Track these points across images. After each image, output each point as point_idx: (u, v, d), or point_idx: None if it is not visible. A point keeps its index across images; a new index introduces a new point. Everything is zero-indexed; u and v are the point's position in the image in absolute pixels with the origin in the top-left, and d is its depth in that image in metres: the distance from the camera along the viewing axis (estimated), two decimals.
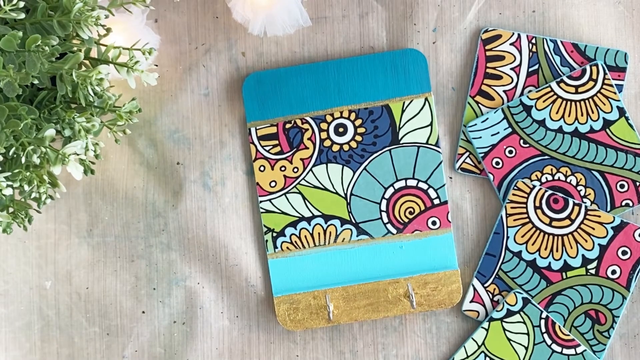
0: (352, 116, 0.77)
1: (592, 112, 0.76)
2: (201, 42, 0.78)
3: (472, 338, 0.76)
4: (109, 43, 0.67)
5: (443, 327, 0.77)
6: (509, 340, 0.75)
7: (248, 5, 0.71)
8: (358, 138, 0.77)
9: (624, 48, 0.77)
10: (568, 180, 0.76)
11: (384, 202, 0.77)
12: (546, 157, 0.76)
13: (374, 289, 0.76)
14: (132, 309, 0.77)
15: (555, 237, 0.76)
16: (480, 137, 0.77)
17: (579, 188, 0.76)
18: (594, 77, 0.76)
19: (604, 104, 0.76)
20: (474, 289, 0.76)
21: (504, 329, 0.75)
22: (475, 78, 0.77)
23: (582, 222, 0.75)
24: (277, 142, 0.77)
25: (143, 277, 0.77)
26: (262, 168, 0.77)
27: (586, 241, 0.75)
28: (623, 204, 0.76)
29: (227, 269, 0.77)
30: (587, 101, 0.76)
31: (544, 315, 0.75)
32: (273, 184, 0.77)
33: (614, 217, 0.75)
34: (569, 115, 0.76)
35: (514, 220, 0.76)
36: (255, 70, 0.78)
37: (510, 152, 0.76)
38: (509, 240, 0.76)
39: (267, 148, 0.77)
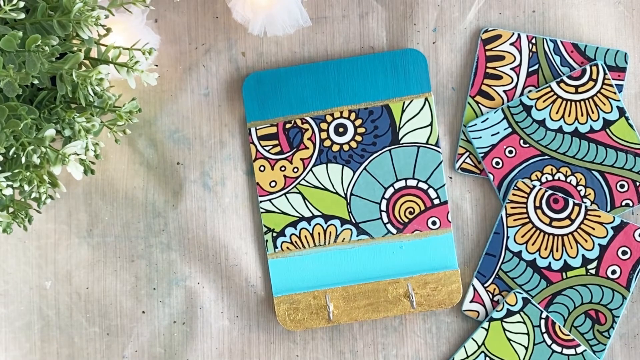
0: (352, 116, 0.77)
1: (592, 112, 0.76)
2: (201, 42, 0.78)
3: (472, 338, 0.76)
4: (109, 43, 0.67)
5: (443, 327, 0.77)
6: (509, 340, 0.75)
7: (248, 5, 0.71)
8: (358, 138, 0.77)
9: (624, 48, 0.77)
10: (568, 180, 0.76)
11: (384, 202, 0.77)
12: (546, 157, 0.76)
13: (374, 289, 0.76)
14: (132, 309, 0.77)
15: (555, 237, 0.76)
16: (480, 137, 0.77)
17: (579, 188, 0.76)
18: (594, 77, 0.76)
19: (604, 104, 0.76)
20: (474, 289, 0.76)
21: (504, 329, 0.75)
22: (475, 78, 0.77)
23: (582, 222, 0.75)
24: (277, 142, 0.77)
25: (143, 277, 0.77)
26: (262, 168, 0.77)
27: (586, 241, 0.75)
28: (623, 204, 0.76)
29: (227, 269, 0.77)
30: (587, 101, 0.76)
31: (544, 315, 0.75)
32: (273, 184, 0.77)
33: (614, 217, 0.75)
34: (569, 115, 0.76)
35: (514, 220, 0.76)
36: (255, 70, 0.78)
37: (510, 152, 0.76)
38: (509, 240, 0.76)
39: (267, 148, 0.77)
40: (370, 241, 0.77)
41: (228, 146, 0.78)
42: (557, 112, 0.76)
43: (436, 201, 0.77)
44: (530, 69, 0.77)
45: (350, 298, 0.76)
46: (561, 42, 0.77)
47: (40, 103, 0.66)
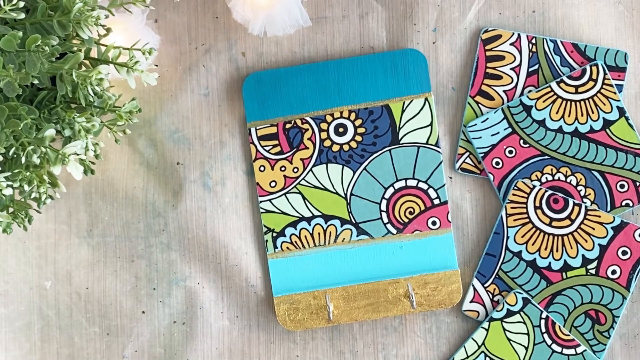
0: (352, 116, 0.77)
1: (592, 112, 0.76)
2: (201, 42, 0.78)
3: (472, 338, 0.76)
4: (109, 43, 0.67)
5: (443, 327, 0.77)
6: (509, 340, 0.75)
7: (248, 5, 0.71)
8: (358, 138, 0.77)
9: (624, 48, 0.77)
10: (568, 180, 0.76)
11: (384, 202, 0.77)
12: (546, 157, 0.76)
13: (374, 289, 0.76)
14: (132, 309, 0.77)
15: (555, 237, 0.76)
16: (480, 137, 0.77)
17: (579, 188, 0.76)
18: (594, 77, 0.76)
19: (604, 104, 0.76)
20: (474, 289, 0.76)
21: (504, 329, 0.75)
22: (475, 78, 0.77)
23: (582, 222, 0.75)
24: (277, 142, 0.77)
25: (143, 277, 0.77)
26: (262, 168, 0.77)
27: (586, 241, 0.75)
28: (623, 204, 0.76)
29: (227, 269, 0.77)
30: (587, 101, 0.76)
31: (544, 315, 0.75)
32: (273, 184, 0.77)
33: (614, 217, 0.75)
34: (569, 115, 0.76)
35: (514, 220, 0.76)
36: (255, 70, 0.78)
37: (510, 152, 0.76)
38: (509, 240, 0.76)
39: (267, 148, 0.77)
40: (370, 241, 0.77)
41: (228, 146, 0.78)
42: (557, 112, 0.76)
43: (436, 201, 0.77)
44: (530, 69, 0.77)
45: (350, 298, 0.76)
46: (561, 42, 0.77)
47: (40, 103, 0.66)
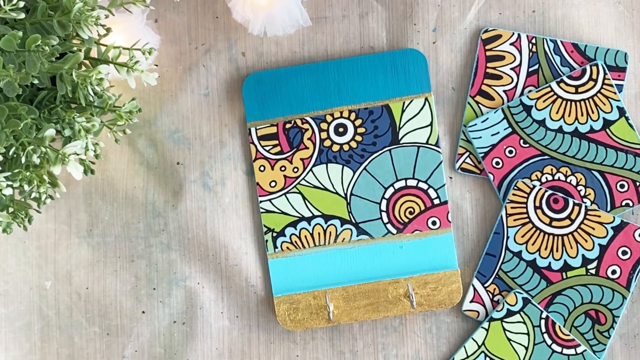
0: (352, 116, 0.77)
1: (592, 112, 0.76)
2: (201, 42, 0.78)
3: (472, 338, 0.76)
4: (109, 43, 0.67)
5: (443, 327, 0.77)
6: (509, 340, 0.75)
7: (248, 5, 0.71)
8: (358, 138, 0.77)
9: (624, 48, 0.77)
10: (568, 180, 0.76)
11: (384, 202, 0.77)
12: (546, 157, 0.76)
13: (374, 289, 0.76)
14: (132, 309, 0.77)
15: (555, 237, 0.76)
16: (480, 137, 0.77)
17: (579, 188, 0.76)
18: (594, 77, 0.76)
19: (604, 104, 0.76)
20: (474, 289, 0.76)
21: (504, 329, 0.75)
22: (475, 78, 0.77)
23: (582, 222, 0.75)
24: (277, 142, 0.77)
25: (143, 277, 0.77)
26: (262, 168, 0.77)
27: (586, 241, 0.75)
28: (623, 204, 0.76)
29: (227, 269, 0.77)
30: (587, 101, 0.76)
31: (544, 315, 0.75)
32: (273, 184, 0.77)
33: (614, 217, 0.75)
34: (569, 115, 0.76)
35: (514, 220, 0.76)
36: (255, 70, 0.78)
37: (510, 152, 0.76)
38: (509, 240, 0.76)
39: (267, 148, 0.77)
40: (370, 241, 0.77)
41: (228, 146, 0.78)
42: (557, 112, 0.76)
43: (436, 201, 0.77)
44: (530, 69, 0.77)
45: (350, 298, 0.76)
46: (561, 42, 0.77)
47: (40, 103, 0.66)
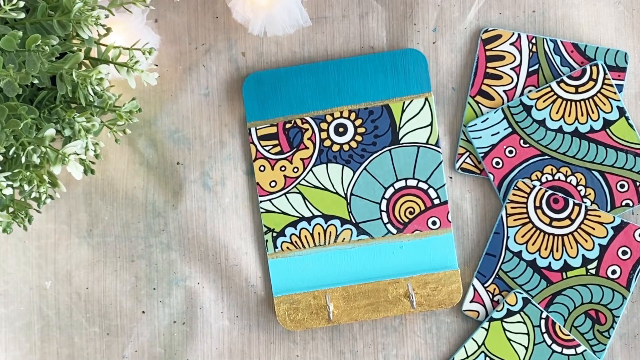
0: (352, 116, 0.77)
1: (592, 112, 0.76)
2: (201, 42, 0.78)
3: (472, 338, 0.76)
4: (109, 43, 0.67)
5: (443, 327, 0.77)
6: (509, 340, 0.75)
7: (248, 5, 0.71)
8: (358, 138, 0.77)
9: (624, 48, 0.77)
10: (568, 180, 0.76)
11: (384, 202, 0.77)
12: (546, 157, 0.76)
13: (374, 289, 0.76)
14: (132, 309, 0.77)
15: (556, 237, 0.76)
16: (480, 137, 0.77)
17: (579, 188, 0.76)
18: (594, 77, 0.76)
19: (604, 104, 0.76)
20: (474, 289, 0.76)
21: (504, 329, 0.75)
22: (475, 78, 0.77)
23: (582, 222, 0.75)
24: (277, 142, 0.77)
25: (143, 277, 0.77)
26: (262, 168, 0.77)
27: (586, 241, 0.75)
28: (623, 204, 0.76)
29: (227, 269, 0.77)
30: (587, 101, 0.76)
31: (544, 315, 0.75)
32: (273, 184, 0.77)
33: (614, 217, 0.75)
34: (569, 115, 0.76)
35: (514, 220, 0.76)
36: (255, 70, 0.78)
37: (510, 152, 0.76)
38: (509, 240, 0.76)
39: (267, 148, 0.77)
40: (370, 241, 0.77)
41: (228, 146, 0.78)
42: (557, 112, 0.76)
43: (436, 201, 0.77)
44: (530, 69, 0.77)
45: (350, 298, 0.76)
46: (561, 42, 0.77)
47: (40, 103, 0.66)
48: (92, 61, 0.67)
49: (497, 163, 0.77)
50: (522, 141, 0.76)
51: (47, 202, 0.65)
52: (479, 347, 0.76)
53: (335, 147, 0.77)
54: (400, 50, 0.77)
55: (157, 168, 0.78)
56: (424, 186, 0.77)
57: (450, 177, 0.77)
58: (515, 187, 0.76)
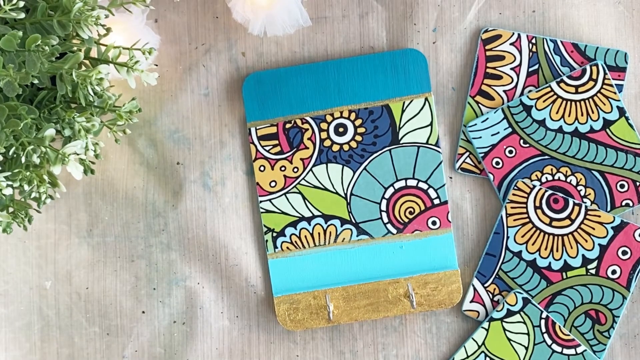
0: (352, 116, 0.77)
1: (592, 112, 0.76)
2: (201, 42, 0.78)
3: (472, 338, 0.76)
4: (109, 43, 0.67)
5: (443, 327, 0.77)
6: (509, 340, 0.75)
7: (248, 5, 0.71)
8: (358, 138, 0.77)
9: (624, 48, 0.77)
10: (568, 180, 0.76)
11: (384, 202, 0.77)
12: (546, 157, 0.76)
13: (374, 289, 0.76)
14: (132, 309, 0.77)
15: (556, 237, 0.76)
16: (480, 137, 0.77)
17: (579, 188, 0.76)
18: (594, 77, 0.76)
19: (604, 104, 0.76)
20: (474, 289, 0.76)
21: (504, 329, 0.75)
22: (475, 78, 0.77)
23: (582, 222, 0.75)
24: (277, 142, 0.77)
25: (143, 277, 0.77)
26: (262, 168, 0.77)
27: (586, 241, 0.75)
28: (623, 204, 0.76)
29: (227, 269, 0.77)
30: (587, 101, 0.76)
31: (544, 315, 0.75)
32: (273, 184, 0.77)
33: (614, 217, 0.75)
34: (569, 115, 0.76)
35: (514, 220, 0.76)
36: (255, 70, 0.78)
37: (510, 152, 0.76)
38: (509, 240, 0.76)
39: (267, 148, 0.77)
40: (370, 241, 0.77)
41: (228, 146, 0.78)
42: (557, 112, 0.76)
43: (436, 201, 0.77)
44: (530, 69, 0.77)
45: (350, 298, 0.76)
46: (561, 42, 0.77)
47: (40, 103, 0.66)
48: (92, 61, 0.67)
49: (497, 163, 0.77)
50: (522, 141, 0.76)
51: (47, 202, 0.65)
52: (479, 347, 0.76)
53: (335, 147, 0.77)
54: (400, 50, 0.77)
55: (157, 168, 0.78)
56: (424, 186, 0.77)
57: (450, 177, 0.77)
58: (515, 187, 0.76)
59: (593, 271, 0.75)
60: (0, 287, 0.78)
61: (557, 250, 0.76)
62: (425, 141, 0.77)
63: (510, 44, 0.77)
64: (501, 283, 0.76)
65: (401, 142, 0.77)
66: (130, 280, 0.77)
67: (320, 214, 0.77)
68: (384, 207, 0.77)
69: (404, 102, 0.77)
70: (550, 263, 0.76)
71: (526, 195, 0.76)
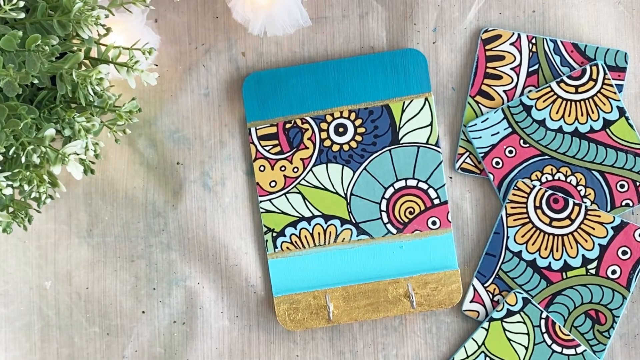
0: (352, 116, 0.77)
1: (592, 112, 0.76)
2: (201, 42, 0.78)
3: (472, 338, 0.76)
4: (109, 43, 0.67)
5: (443, 327, 0.77)
6: (509, 340, 0.75)
7: (248, 5, 0.71)
8: (358, 138, 0.77)
9: (624, 48, 0.77)
10: (568, 180, 0.76)
11: (384, 202, 0.77)
12: (546, 157, 0.76)
13: (374, 289, 0.76)
14: (132, 309, 0.77)
15: (555, 237, 0.76)
16: (480, 137, 0.77)
17: (579, 188, 0.76)
18: (594, 77, 0.76)
19: (604, 104, 0.76)
20: (474, 289, 0.76)
21: (504, 329, 0.75)
22: (475, 78, 0.77)
23: (582, 222, 0.75)
24: (277, 142, 0.77)
25: (143, 277, 0.77)
26: (262, 168, 0.77)
27: (586, 241, 0.75)
28: (623, 204, 0.76)
29: (227, 269, 0.77)
30: (587, 101, 0.76)
31: (544, 315, 0.75)
32: (273, 183, 0.77)
33: (614, 217, 0.75)
34: (569, 115, 0.76)
35: (514, 220, 0.76)
36: (255, 70, 0.78)
37: (510, 152, 0.76)
38: (509, 240, 0.76)
39: (267, 148, 0.77)
40: (370, 241, 0.77)
41: (228, 146, 0.78)
42: (557, 112, 0.76)
43: (436, 201, 0.77)
44: (530, 69, 0.77)
45: (350, 298, 0.76)
46: (561, 42, 0.77)
47: (40, 103, 0.66)
48: (92, 61, 0.67)
49: (497, 163, 0.77)
50: (522, 141, 0.76)
51: (47, 202, 0.65)
52: (479, 347, 0.76)
53: (335, 147, 0.77)
54: (400, 50, 0.77)
55: (157, 168, 0.78)
56: (424, 186, 0.77)
57: (450, 177, 0.77)
58: (515, 187, 0.76)
59: (593, 271, 0.75)
60: (0, 287, 0.78)
61: (557, 250, 0.76)
62: (425, 141, 0.77)
63: (510, 44, 0.77)
64: (501, 283, 0.76)
65: (401, 142, 0.77)
66: (130, 280, 0.77)
67: (320, 214, 0.77)
68: (384, 207, 0.77)
69: (404, 102, 0.77)
70: (550, 263, 0.76)
71: (526, 195, 0.76)
